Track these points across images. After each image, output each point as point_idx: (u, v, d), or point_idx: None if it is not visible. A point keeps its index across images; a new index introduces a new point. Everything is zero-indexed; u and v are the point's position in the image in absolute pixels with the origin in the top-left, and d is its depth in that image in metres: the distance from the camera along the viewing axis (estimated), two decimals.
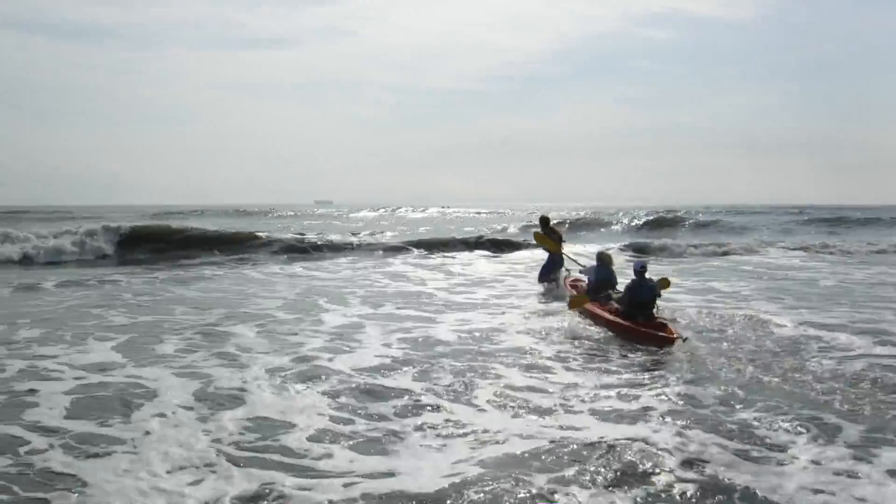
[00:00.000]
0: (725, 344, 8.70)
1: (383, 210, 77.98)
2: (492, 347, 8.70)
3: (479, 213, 69.68)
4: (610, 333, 9.43)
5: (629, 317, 9.40)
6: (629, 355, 8.31)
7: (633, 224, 40.17)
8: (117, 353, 8.42)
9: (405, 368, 7.61)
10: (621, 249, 23.71)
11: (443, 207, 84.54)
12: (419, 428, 5.72)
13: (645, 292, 9.52)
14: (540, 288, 14.14)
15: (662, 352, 8.35)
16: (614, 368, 7.69)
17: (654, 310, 9.52)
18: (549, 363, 7.89)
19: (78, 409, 6.21)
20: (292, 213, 70.25)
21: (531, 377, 7.26)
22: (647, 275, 9.68)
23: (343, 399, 6.49)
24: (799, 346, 8.59)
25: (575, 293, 11.53)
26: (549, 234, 14.54)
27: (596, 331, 9.68)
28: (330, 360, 7.99)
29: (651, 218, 41.67)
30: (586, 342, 9.06)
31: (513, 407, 6.28)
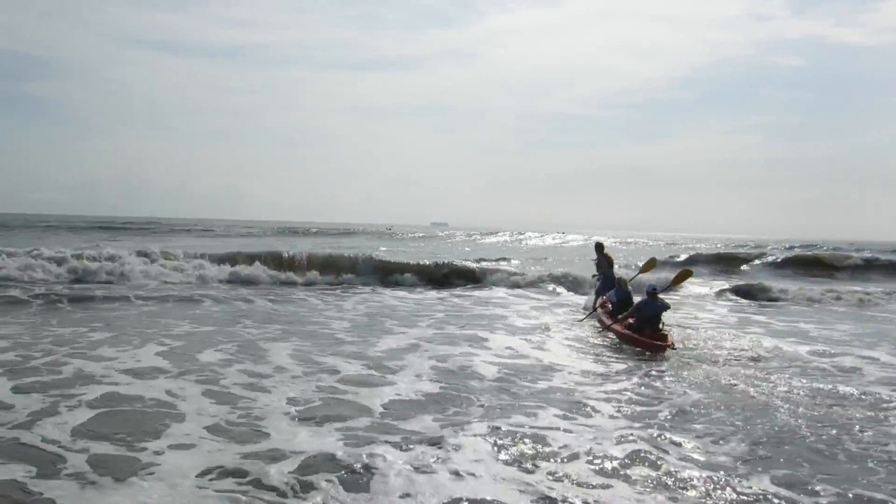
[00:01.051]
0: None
1: (504, 234, 76.91)
2: None
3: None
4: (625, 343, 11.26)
5: (638, 329, 11.17)
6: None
7: (771, 260, 32.95)
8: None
9: None
10: (729, 291, 20.53)
11: (559, 233, 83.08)
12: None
13: (651, 310, 11.29)
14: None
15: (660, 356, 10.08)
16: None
17: (661, 324, 11.26)
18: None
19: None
20: (418, 234, 70.95)
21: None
22: (657, 292, 11.45)
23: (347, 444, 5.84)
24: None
25: (602, 311, 13.34)
26: (602, 259, 15.43)
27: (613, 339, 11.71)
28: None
29: (790, 255, 34.84)
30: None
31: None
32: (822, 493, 4.98)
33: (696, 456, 5.65)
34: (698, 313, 15.91)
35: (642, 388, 7.99)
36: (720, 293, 20.56)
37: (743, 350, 10.69)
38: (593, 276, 16.00)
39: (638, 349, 10.60)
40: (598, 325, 12.95)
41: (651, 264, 15.41)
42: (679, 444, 5.91)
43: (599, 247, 15.82)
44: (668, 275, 16.27)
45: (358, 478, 5.01)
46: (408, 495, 4.71)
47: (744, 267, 31.41)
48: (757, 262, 32.27)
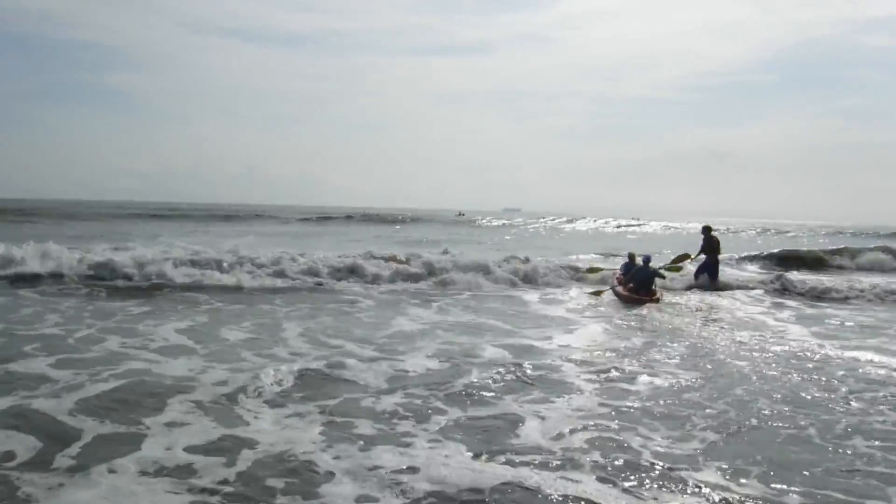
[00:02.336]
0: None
1: (586, 220, 74.18)
2: None
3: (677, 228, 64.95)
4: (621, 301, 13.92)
5: (636, 290, 14.11)
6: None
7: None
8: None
9: None
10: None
11: (633, 219, 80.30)
12: None
13: (644, 274, 14.46)
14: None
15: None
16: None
17: (654, 286, 14.42)
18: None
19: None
20: (495, 221, 69.50)
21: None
22: (650, 264, 14.79)
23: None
24: None
25: (617, 282, 15.33)
26: (709, 241, 16.77)
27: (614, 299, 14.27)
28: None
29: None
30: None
31: None
32: None
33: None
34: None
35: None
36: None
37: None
38: (695, 256, 16.91)
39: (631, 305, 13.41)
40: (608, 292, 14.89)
41: (685, 257, 16.88)
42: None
43: (707, 229, 17.03)
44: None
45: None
46: None
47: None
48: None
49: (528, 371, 7.67)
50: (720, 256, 17.53)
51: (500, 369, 7.64)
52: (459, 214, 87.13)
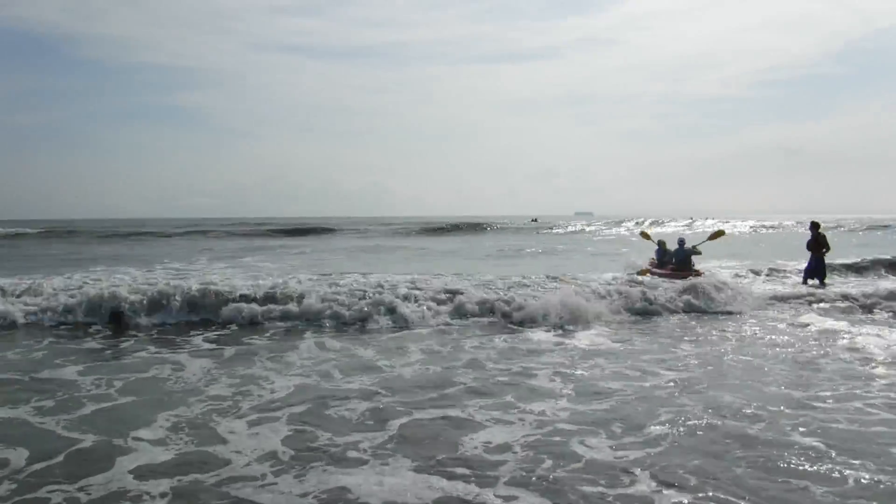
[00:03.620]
0: None
1: (674, 222, 71.08)
2: None
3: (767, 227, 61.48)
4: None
5: (677, 269, 16.25)
6: None
7: None
8: None
9: None
10: None
11: (692, 218, 76.54)
12: None
13: (681, 254, 16.66)
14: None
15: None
16: None
17: (692, 264, 16.45)
18: None
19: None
20: (567, 226, 67.54)
21: None
22: (685, 245, 16.80)
23: None
24: None
25: (650, 265, 17.68)
26: (815, 238, 16.53)
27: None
28: None
29: None
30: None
31: None
32: None
33: None
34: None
35: None
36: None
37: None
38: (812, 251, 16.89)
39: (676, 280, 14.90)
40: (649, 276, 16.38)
41: (719, 234, 19.38)
42: None
43: (815, 226, 16.91)
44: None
45: None
46: None
47: None
48: None
49: None
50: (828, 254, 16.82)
51: None
52: (533, 220, 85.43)
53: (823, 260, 16.51)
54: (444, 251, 32.38)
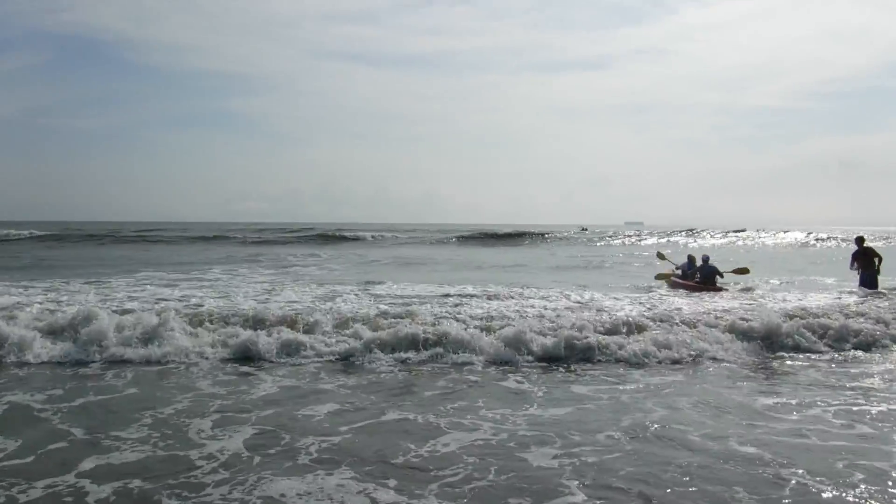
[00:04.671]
0: None
1: (739, 234, 68.41)
2: None
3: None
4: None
5: (702, 282, 17.24)
6: None
7: None
8: None
9: None
10: None
11: (743, 229, 74.12)
12: None
13: (707, 270, 17.46)
14: None
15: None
16: None
17: (716, 280, 17.29)
18: None
19: None
20: (615, 235, 66.58)
21: None
22: (710, 262, 17.75)
23: None
24: None
25: (674, 276, 18.72)
26: (865, 251, 16.40)
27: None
28: None
29: None
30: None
31: None
32: None
33: None
34: None
35: None
36: None
37: None
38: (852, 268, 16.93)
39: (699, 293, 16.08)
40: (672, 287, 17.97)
41: (744, 271, 19.36)
42: None
43: (860, 240, 16.78)
44: None
45: None
46: None
47: None
48: None
49: None
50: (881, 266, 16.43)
51: None
52: (583, 230, 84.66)
53: (875, 272, 16.17)
54: (505, 264, 29.89)
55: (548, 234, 63.22)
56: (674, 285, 18.16)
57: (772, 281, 20.10)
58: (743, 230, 72.43)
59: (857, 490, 4.71)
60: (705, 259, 17.90)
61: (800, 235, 63.70)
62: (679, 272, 18.78)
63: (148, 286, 16.87)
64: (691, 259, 18.71)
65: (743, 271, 19.20)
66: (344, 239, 53.91)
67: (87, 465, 5.15)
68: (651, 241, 58.71)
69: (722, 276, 17.63)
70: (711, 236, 66.17)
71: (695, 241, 59.54)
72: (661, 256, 22.02)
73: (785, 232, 68.55)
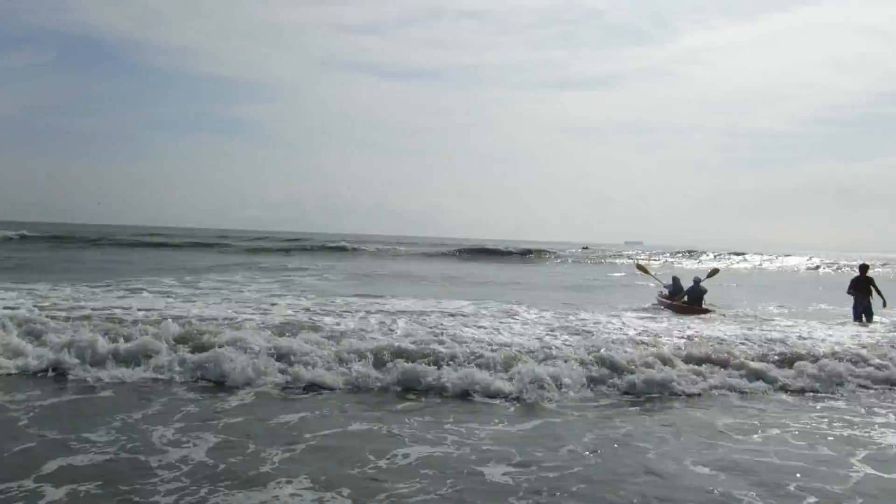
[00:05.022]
0: None
1: (747, 257, 67.41)
2: None
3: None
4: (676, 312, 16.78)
5: (689, 304, 17.31)
6: None
7: None
8: None
9: None
10: None
11: (735, 254, 74.10)
12: None
13: (696, 292, 17.57)
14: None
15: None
16: None
17: (703, 302, 17.46)
18: None
19: None
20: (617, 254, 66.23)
21: None
22: (701, 283, 17.78)
23: None
24: None
25: (661, 297, 19.12)
26: (864, 280, 16.44)
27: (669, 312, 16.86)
28: None
29: None
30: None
31: None
32: None
33: None
34: None
35: None
36: None
37: None
38: (665, 285, 19.65)
39: (687, 315, 16.10)
40: (661, 307, 18.15)
41: (714, 272, 20.69)
42: None
43: (863, 268, 17.06)
44: None
45: None
46: None
47: None
48: None
49: None
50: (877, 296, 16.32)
51: None
52: (584, 248, 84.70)
53: (868, 304, 16.10)
54: (510, 281, 29.20)
55: (550, 252, 62.56)
56: (661, 305, 18.44)
57: (769, 308, 19.76)
58: (743, 254, 72.19)
59: None
60: (696, 281, 17.95)
61: (801, 260, 63.57)
62: (665, 291, 19.15)
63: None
64: (676, 280, 19.15)
65: (713, 272, 20.34)
66: (342, 250, 53.97)
67: (51, 467, 5.24)
68: (655, 263, 58.46)
69: (706, 291, 17.88)
70: (716, 257, 65.49)
71: (698, 262, 59.16)
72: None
73: (787, 256, 68.29)
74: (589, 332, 12.02)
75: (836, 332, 13.01)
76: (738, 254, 70.97)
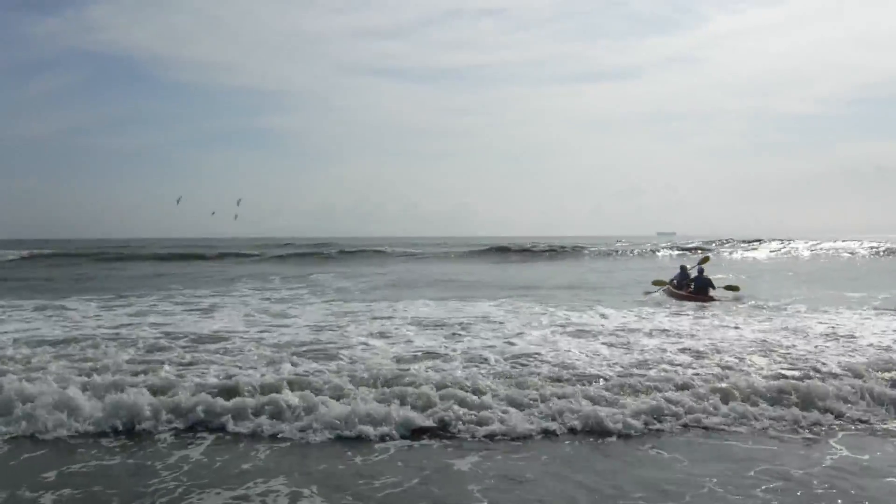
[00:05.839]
0: None
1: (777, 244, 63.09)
2: None
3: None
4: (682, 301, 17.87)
5: (695, 293, 18.29)
6: None
7: None
8: None
9: None
10: None
11: (783, 240, 71.60)
12: None
13: (701, 281, 18.71)
14: None
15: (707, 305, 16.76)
16: None
17: (709, 291, 18.45)
18: None
19: None
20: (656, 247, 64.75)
21: None
22: (704, 274, 19.03)
23: None
24: None
25: (669, 286, 20.11)
26: None
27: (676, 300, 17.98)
28: None
29: None
30: None
31: None
32: None
33: None
34: None
35: None
36: None
37: None
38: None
39: (695, 303, 17.08)
40: (668, 295, 19.31)
41: (706, 259, 21.47)
42: None
43: None
44: None
45: None
46: None
47: None
48: None
49: None
50: None
51: None
52: (618, 242, 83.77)
53: None
54: (563, 284, 25.83)
55: (582, 247, 60.77)
56: (670, 294, 19.33)
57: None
58: (789, 240, 68.15)
59: None
60: (700, 270, 19.20)
61: (849, 244, 58.00)
62: (675, 282, 19.90)
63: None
64: (683, 269, 20.11)
65: (733, 289, 19.39)
66: (370, 253, 54.32)
67: None
68: (691, 255, 56.78)
69: (714, 288, 18.78)
70: (754, 248, 62.07)
71: (734, 253, 57.18)
72: (657, 283, 21.50)
73: (838, 241, 62.53)
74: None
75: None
76: (782, 241, 66.89)
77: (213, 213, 46.76)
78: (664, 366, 9.09)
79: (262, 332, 12.42)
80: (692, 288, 18.69)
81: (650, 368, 8.93)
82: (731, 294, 19.05)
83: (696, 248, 57.01)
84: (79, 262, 44.15)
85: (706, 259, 21.59)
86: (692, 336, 11.78)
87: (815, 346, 10.60)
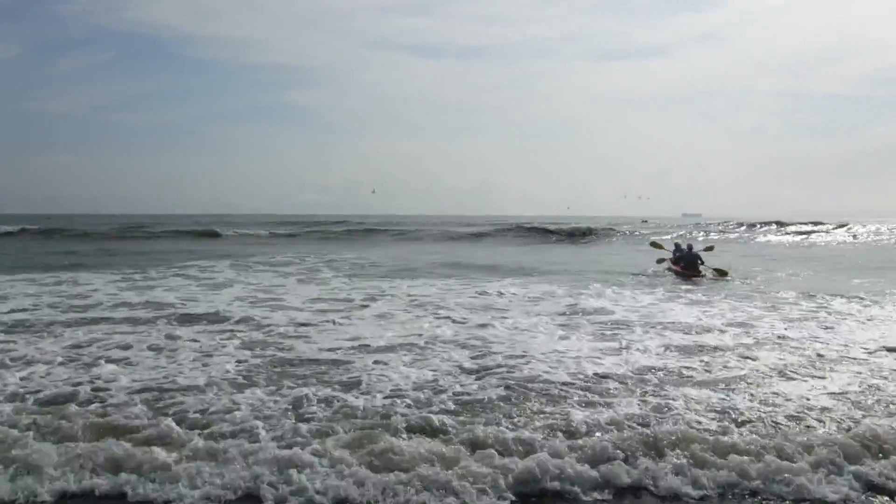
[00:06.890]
0: None
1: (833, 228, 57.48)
2: None
3: None
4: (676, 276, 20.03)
5: (686, 268, 20.20)
6: None
7: None
8: None
9: None
10: None
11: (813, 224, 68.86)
12: None
13: (690, 258, 20.47)
14: None
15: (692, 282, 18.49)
16: None
17: (698, 266, 20.16)
18: None
19: None
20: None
21: None
22: (693, 250, 20.99)
23: None
24: None
25: (670, 261, 21.90)
26: None
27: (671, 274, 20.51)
28: None
29: None
30: None
31: None
32: None
33: None
34: None
35: None
36: None
37: None
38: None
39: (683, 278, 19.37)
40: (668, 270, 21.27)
41: (710, 248, 23.30)
42: None
43: None
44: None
45: None
46: None
47: None
48: None
49: None
50: None
51: None
52: (644, 222, 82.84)
53: None
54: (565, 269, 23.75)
55: (610, 228, 58.66)
56: (670, 270, 21.24)
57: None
58: (823, 223, 64.00)
59: None
60: (689, 247, 21.29)
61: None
62: (672, 257, 21.89)
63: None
64: (678, 246, 22.34)
65: (722, 273, 20.12)
66: (391, 232, 54.20)
67: None
68: (714, 236, 53.84)
69: (703, 263, 20.43)
70: (785, 231, 59.60)
71: (764, 236, 54.92)
72: (655, 245, 25.61)
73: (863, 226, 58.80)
74: None
75: None
76: (815, 223, 62.67)
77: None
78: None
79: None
80: (683, 264, 20.55)
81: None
82: (720, 277, 19.89)
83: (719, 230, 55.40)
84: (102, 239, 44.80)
85: (710, 248, 23.46)
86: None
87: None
